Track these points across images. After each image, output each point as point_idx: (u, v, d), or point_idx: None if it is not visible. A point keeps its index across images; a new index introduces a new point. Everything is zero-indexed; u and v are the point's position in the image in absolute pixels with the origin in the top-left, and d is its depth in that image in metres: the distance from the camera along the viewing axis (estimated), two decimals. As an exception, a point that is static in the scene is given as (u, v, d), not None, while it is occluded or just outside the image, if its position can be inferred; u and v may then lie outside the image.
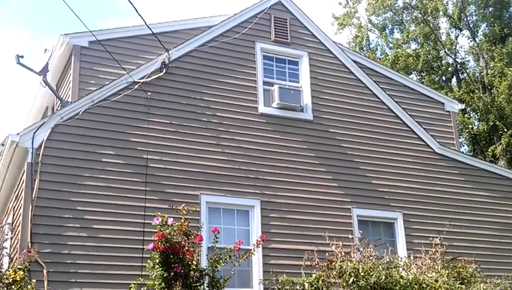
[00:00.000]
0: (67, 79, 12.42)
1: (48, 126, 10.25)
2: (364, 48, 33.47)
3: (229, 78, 12.05)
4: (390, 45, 33.15)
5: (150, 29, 10.96)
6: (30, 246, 9.42)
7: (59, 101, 11.79)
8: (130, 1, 8.86)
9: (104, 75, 11.72)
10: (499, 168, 14.59)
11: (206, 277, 8.84)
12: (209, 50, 12.05)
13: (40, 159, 10.02)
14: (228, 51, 12.24)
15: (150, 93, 11.17)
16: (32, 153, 10.02)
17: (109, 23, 47.82)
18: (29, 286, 8.79)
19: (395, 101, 13.53)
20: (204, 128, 11.45)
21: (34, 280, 9.00)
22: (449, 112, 15.08)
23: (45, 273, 9.36)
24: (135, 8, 9.14)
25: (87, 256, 9.80)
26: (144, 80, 11.17)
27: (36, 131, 10.13)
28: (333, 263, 9.74)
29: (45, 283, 9.28)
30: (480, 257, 12.36)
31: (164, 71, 11.44)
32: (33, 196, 9.81)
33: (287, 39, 12.88)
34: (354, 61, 13.59)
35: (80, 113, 10.51)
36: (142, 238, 9.99)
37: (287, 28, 12.95)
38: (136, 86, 11.03)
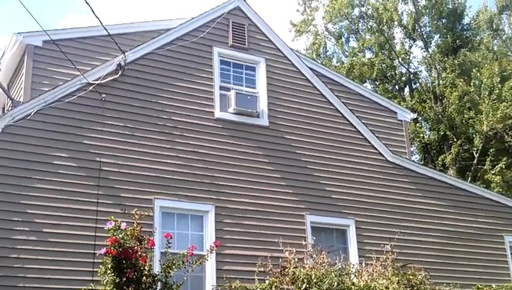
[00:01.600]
0: (19, 79, 12.15)
1: (-2, 126, 10.00)
2: (321, 55, 33.82)
3: (185, 82, 12.00)
4: (346, 53, 33.60)
5: (106, 30, 10.82)
6: (-23, 250, 9.16)
7: (10, 101, 11.52)
8: (86, 1, 8.73)
9: (58, 75, 11.50)
10: (448, 177, 14.94)
11: (159, 282, 8.75)
12: (166, 53, 11.97)
13: (-11, 160, 9.76)
14: (185, 54, 12.19)
15: (104, 96, 11.01)
16: (-19, 154, 9.75)
17: (70, 21, 46.97)
18: (-26, 291, 8.54)
19: (350, 109, 13.71)
20: (159, 132, 11.36)
21: (-20, 285, 8.75)
22: (401, 121, 15.37)
23: (-8, 278, 9.11)
24: (91, 9, 8.99)
25: (37, 260, 9.58)
26: (98, 81, 11.00)
27: (-14, 131, 9.86)
28: (286, 270, 9.81)
29: (-8, 287, 9.04)
30: (429, 264, 12.63)
31: (120, 73, 11.29)
32: (-19, 198, 9.55)
33: (245, 45, 12.91)
34: (311, 69, 13.71)
35: (32, 114, 10.29)
36: (93, 243, 9.81)
37: (244, 33, 12.98)
38: (91, 88, 10.86)
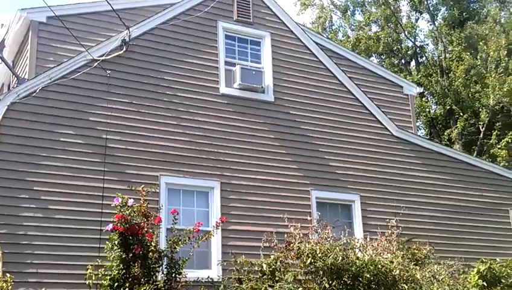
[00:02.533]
0: (24, 55, 12.12)
1: (3, 104, 10.00)
2: (327, 29, 33.59)
3: (190, 57, 11.94)
4: (352, 26, 33.34)
5: (110, 5, 10.76)
6: (-16, 226, 9.24)
7: (15, 78, 11.50)
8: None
9: (63, 52, 11.45)
10: (454, 152, 14.94)
11: (165, 258, 8.85)
12: (171, 28, 11.90)
13: (-5, 138, 9.79)
14: (190, 29, 12.11)
15: (109, 72, 10.98)
16: (-13, 131, 9.79)
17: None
18: (-17, 267, 8.65)
19: (355, 84, 13.65)
20: (164, 108, 11.35)
21: (-11, 261, 8.85)
22: (407, 95, 15.29)
23: (0, 254, 9.18)
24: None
25: (44, 237, 9.65)
26: (103, 57, 10.96)
27: (-9, 108, 9.88)
28: (291, 245, 9.87)
29: (0, 264, 9.11)
30: (434, 238, 12.70)
31: (124, 49, 11.24)
32: (-12, 175, 9.60)
33: (250, 19, 12.82)
34: (316, 43, 13.62)
35: (37, 91, 10.28)
36: (100, 219, 9.88)
37: (249, 7, 12.87)
38: (96, 64, 10.83)
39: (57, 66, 10.65)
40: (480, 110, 28.06)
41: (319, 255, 9.49)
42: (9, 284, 8.42)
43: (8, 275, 8.60)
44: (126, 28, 11.19)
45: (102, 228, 9.46)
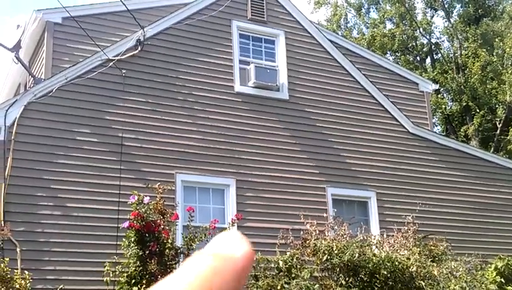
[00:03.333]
0: (40, 56, 12.24)
1: (20, 103, 10.12)
2: (342, 27, 33.50)
3: (205, 56, 11.99)
4: (367, 24, 33.23)
5: (125, 5, 10.83)
6: (3, 225, 9.34)
7: (32, 78, 11.62)
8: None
9: (78, 52, 11.56)
10: (471, 148, 14.83)
11: (181, 255, 8.88)
12: (185, 28, 11.95)
13: (13, 137, 9.90)
14: (204, 29, 12.15)
15: (124, 71, 11.06)
16: (4, 131, 9.90)
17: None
18: (2, 265, 8.72)
19: (370, 81, 13.61)
20: (180, 106, 11.40)
21: (7, 259, 8.91)
22: (423, 92, 15.21)
23: (18, 252, 9.31)
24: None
25: (61, 234, 9.75)
26: (118, 57, 11.04)
27: (9, 108, 9.99)
28: (307, 241, 9.85)
29: (18, 261, 9.23)
30: (451, 235, 12.60)
31: (139, 49, 11.31)
32: (6, 174, 9.70)
33: (264, 18, 12.83)
34: (331, 41, 13.60)
35: (54, 90, 10.38)
36: (116, 216, 9.95)
37: (263, 6, 12.89)
38: (111, 64, 10.91)
39: (72, 66, 10.74)
40: (496, 106, 27.87)
41: (336, 252, 9.46)
42: (27, 282, 8.51)
43: (26, 272, 8.68)
44: (141, 28, 11.27)
45: (119, 226, 9.53)
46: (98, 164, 10.38)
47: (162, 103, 11.26)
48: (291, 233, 10.27)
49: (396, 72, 15.06)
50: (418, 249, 10.32)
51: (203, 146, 11.35)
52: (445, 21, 31.16)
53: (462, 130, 28.79)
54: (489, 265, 11.86)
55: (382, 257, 9.56)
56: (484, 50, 27.65)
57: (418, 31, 31.38)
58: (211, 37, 12.19)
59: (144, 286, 8.41)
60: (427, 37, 31.64)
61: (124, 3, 10.67)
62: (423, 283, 9.54)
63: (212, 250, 0.48)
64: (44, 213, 9.77)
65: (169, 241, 8.70)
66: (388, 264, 9.48)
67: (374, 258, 9.52)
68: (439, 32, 32.22)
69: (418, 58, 32.35)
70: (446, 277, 10.03)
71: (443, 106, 29.73)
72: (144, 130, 10.95)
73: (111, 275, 8.87)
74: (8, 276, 8.26)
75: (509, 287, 11.51)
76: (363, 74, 13.59)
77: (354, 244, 9.57)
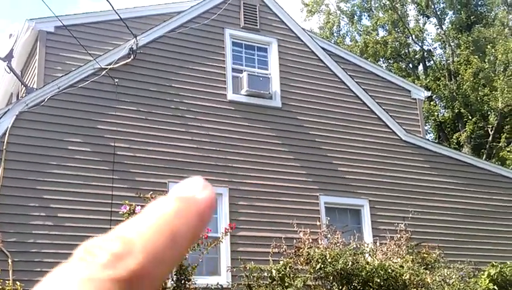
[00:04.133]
0: (32, 65, 12.22)
1: (12, 113, 10.08)
2: (335, 34, 33.60)
3: (197, 64, 11.99)
4: (360, 32, 33.34)
5: (118, 14, 10.83)
6: (-5, 235, 9.30)
7: (24, 88, 11.59)
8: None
9: (71, 61, 11.55)
10: (463, 155, 14.87)
11: (174, 265, 8.83)
12: (178, 36, 11.96)
13: (4, 147, 9.87)
14: (197, 37, 12.16)
15: (117, 80, 11.05)
16: (-4, 141, 9.86)
17: (82, 6, 46.90)
18: (-6, 275, 8.69)
19: (363, 89, 13.64)
20: (172, 115, 11.39)
21: (-1, 269, 8.90)
22: (415, 99, 15.26)
23: (10, 263, 9.26)
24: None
25: (53, 245, 9.70)
26: (111, 66, 11.04)
27: (0, 118, 9.96)
28: (301, 250, 9.84)
29: (10, 272, 9.17)
30: (443, 242, 12.63)
31: (132, 57, 11.31)
32: (-2, 184, 9.67)
33: (257, 26, 12.85)
34: (323, 49, 13.63)
35: (46, 100, 10.35)
36: (109, 226, 9.90)
37: (256, 14, 12.92)
38: (103, 73, 10.90)
39: (65, 75, 10.73)
40: (489, 113, 27.99)
41: (329, 260, 9.46)
42: (19, 293, 8.45)
43: (18, 283, 8.61)
44: (133, 37, 11.27)
45: (111, 236, 9.46)
46: (90, 173, 10.35)
47: (155, 112, 11.25)
48: (285, 242, 10.26)
49: (389, 79, 15.11)
50: (411, 257, 10.34)
51: (195, 155, 11.34)
52: (438, 28, 31.33)
53: (454, 137, 28.88)
54: (482, 272, 11.88)
55: (375, 265, 9.57)
56: (476, 57, 27.79)
57: (410, 38, 31.51)
58: (204, 45, 12.20)
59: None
60: (420, 44, 31.79)
61: (116, 12, 10.67)
62: (416, 291, 9.55)
63: (175, 194, 0.49)
64: (36, 223, 9.73)
65: (162, 251, 8.67)
66: (381, 272, 9.49)
67: (367, 266, 9.53)
68: (432, 39, 32.41)
69: (410, 65, 32.48)
70: (439, 285, 10.04)
71: (435, 113, 29.83)
72: (137, 139, 10.93)
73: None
74: (0, 287, 8.20)
75: (502, 295, 11.54)
76: (356, 82, 13.62)
77: (347, 253, 9.58)
